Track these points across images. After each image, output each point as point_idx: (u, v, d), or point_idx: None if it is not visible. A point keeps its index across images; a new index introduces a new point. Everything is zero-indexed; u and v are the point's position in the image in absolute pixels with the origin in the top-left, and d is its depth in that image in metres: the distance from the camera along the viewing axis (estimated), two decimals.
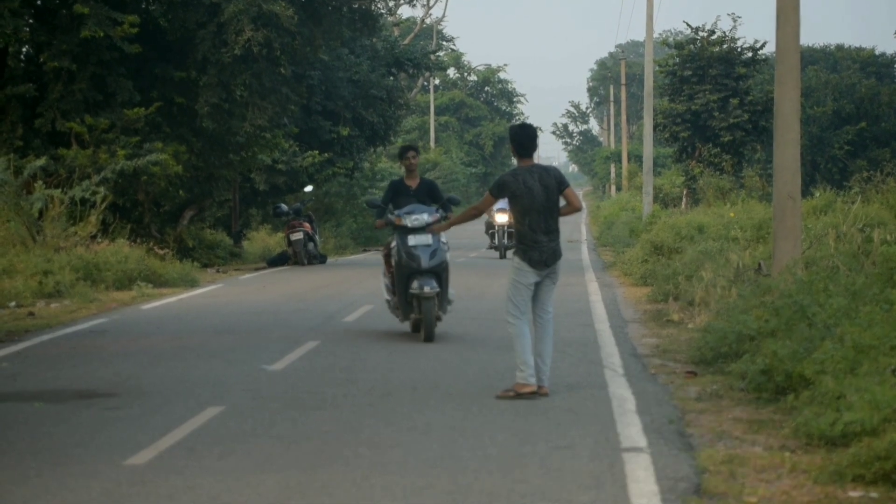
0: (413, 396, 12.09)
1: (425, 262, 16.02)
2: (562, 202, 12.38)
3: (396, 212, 16.38)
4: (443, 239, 16.26)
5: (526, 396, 11.92)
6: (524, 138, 12.25)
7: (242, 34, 29.01)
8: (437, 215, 16.34)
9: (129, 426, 10.84)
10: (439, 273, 16.11)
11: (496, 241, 37.15)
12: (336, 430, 10.56)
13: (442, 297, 16.19)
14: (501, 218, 36.04)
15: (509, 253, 34.11)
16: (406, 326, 17.12)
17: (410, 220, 16.18)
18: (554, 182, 12.16)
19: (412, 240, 16.10)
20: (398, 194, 16.62)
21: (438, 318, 16.26)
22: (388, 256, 16.68)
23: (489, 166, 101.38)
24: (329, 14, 32.19)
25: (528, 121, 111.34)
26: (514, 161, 12.45)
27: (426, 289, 15.84)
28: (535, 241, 12.08)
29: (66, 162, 28.30)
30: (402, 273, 16.07)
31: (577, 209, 12.46)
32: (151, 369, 14.18)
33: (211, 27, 29.63)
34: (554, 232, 12.19)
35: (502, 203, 33.09)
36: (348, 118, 44.26)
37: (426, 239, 16.06)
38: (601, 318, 19.09)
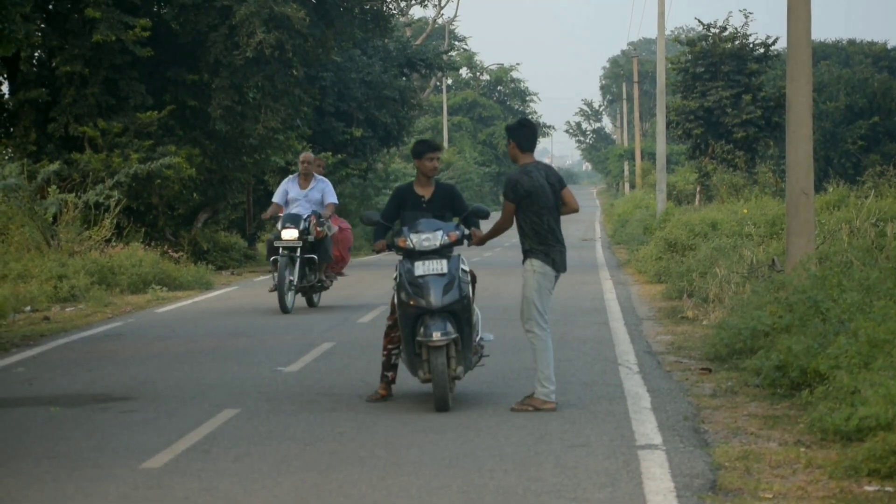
0: (428, 396, 12.07)
1: (436, 298, 11.46)
2: None
3: (402, 229, 12.07)
4: (464, 266, 11.82)
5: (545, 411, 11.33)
6: (529, 133, 11.69)
7: (254, 36, 29.05)
8: (457, 233, 11.90)
9: (145, 429, 10.87)
10: (457, 313, 11.59)
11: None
12: (352, 431, 10.58)
13: (463, 347, 11.71)
14: (289, 234, 20.38)
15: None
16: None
17: (418, 241, 11.77)
18: (557, 181, 11.67)
19: (420, 268, 11.61)
20: (406, 206, 12.29)
21: (457, 377, 11.75)
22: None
23: (503, 165, 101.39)
24: (341, 15, 32.25)
25: (542, 119, 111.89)
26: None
27: (435, 335, 11.38)
28: (557, 241, 11.52)
29: (80, 166, 28.38)
30: (407, 313, 11.59)
31: (575, 210, 11.80)
32: (166, 372, 14.20)
33: (223, 30, 29.68)
34: (561, 233, 11.75)
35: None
36: (361, 119, 44.28)
37: (439, 266, 11.61)
38: (616, 316, 19.08)
